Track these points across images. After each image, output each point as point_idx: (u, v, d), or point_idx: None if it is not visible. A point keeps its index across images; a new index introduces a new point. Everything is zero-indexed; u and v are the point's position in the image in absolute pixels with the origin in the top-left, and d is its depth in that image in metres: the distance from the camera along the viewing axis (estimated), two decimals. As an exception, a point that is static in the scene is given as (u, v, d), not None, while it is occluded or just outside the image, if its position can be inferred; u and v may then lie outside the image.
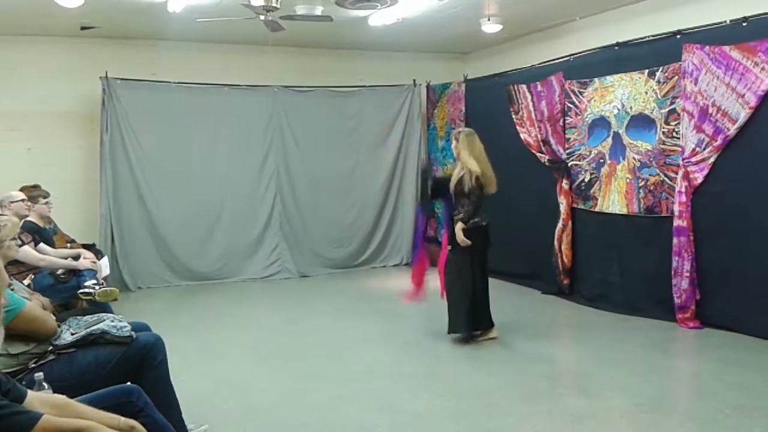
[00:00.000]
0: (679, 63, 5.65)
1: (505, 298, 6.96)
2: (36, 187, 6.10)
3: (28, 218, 5.46)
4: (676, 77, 5.71)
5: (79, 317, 3.24)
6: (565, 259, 6.96)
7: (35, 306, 3.01)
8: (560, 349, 5.68)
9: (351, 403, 4.18)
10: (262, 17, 6.23)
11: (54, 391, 2.32)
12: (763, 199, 5.14)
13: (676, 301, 5.72)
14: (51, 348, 2.89)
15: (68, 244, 6.09)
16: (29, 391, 2.17)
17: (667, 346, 5.34)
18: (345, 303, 7.22)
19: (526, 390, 4.33)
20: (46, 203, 5.68)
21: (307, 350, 5.46)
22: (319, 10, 6.53)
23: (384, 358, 5.22)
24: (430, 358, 5.30)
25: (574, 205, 6.91)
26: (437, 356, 5.30)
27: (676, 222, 5.71)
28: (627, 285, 6.32)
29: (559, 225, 6.95)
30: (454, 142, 5.67)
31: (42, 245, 5.14)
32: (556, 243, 7.00)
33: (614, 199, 6.41)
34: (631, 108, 6.18)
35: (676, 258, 5.71)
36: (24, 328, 2.84)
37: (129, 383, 2.77)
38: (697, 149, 5.56)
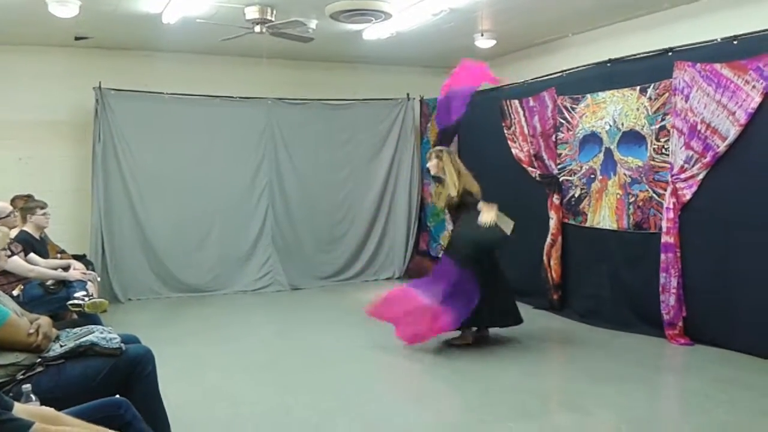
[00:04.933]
0: (671, 80, 5.70)
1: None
2: (30, 197, 6.09)
3: (24, 228, 5.45)
4: (667, 94, 5.76)
5: (68, 329, 3.22)
6: (554, 275, 6.96)
7: (18, 318, 2.97)
8: (551, 365, 5.68)
9: (341, 418, 4.15)
10: (256, 29, 6.27)
11: (42, 404, 2.30)
12: (751, 216, 5.16)
13: (665, 317, 5.72)
14: (39, 360, 2.87)
15: (58, 255, 6.06)
16: (16, 404, 2.15)
17: (658, 363, 5.34)
18: (337, 316, 7.20)
19: (517, 406, 4.31)
20: (44, 214, 5.62)
21: (298, 363, 5.44)
22: (313, 24, 6.55)
23: (375, 372, 5.21)
24: (421, 372, 5.29)
25: (565, 221, 6.93)
26: (428, 371, 5.28)
27: (664, 238, 5.73)
28: (617, 301, 6.32)
29: (548, 240, 6.96)
30: (434, 161, 5.75)
31: (32, 255, 5.12)
32: (545, 258, 7.00)
33: (605, 214, 6.43)
34: (622, 124, 6.22)
35: (664, 274, 5.73)
36: (9, 340, 2.81)
37: (118, 396, 2.76)
38: (686, 166, 5.59)
